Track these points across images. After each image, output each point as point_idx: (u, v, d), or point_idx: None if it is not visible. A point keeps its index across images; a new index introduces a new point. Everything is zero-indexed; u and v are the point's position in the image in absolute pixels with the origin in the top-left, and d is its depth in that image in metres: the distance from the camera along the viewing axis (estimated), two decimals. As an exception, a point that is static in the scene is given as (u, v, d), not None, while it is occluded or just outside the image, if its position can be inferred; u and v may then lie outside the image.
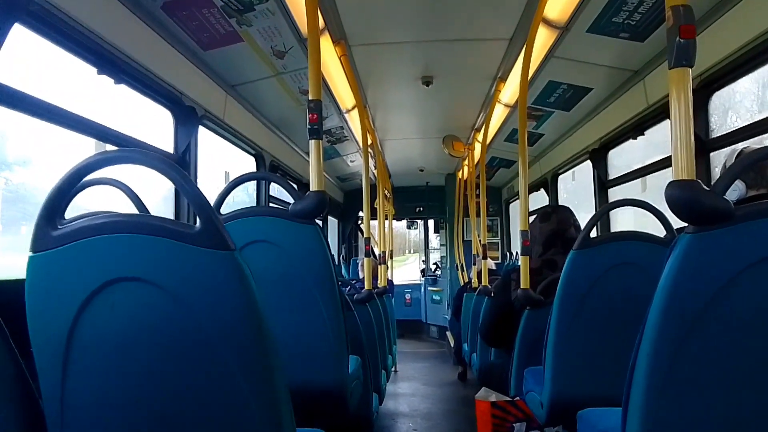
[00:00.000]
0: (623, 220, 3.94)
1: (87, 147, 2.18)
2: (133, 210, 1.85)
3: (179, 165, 2.73)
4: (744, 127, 2.37)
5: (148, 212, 1.85)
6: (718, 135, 2.56)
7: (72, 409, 0.99)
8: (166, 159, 0.96)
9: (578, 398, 1.77)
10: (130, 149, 0.99)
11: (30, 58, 1.99)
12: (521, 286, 2.41)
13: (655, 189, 3.31)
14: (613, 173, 3.90)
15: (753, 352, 1.09)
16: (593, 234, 1.89)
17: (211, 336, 0.95)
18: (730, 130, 2.47)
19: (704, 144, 2.58)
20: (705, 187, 1.05)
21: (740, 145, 2.06)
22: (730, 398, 1.11)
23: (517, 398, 2.44)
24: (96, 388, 0.99)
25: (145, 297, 0.95)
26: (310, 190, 1.82)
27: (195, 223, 0.96)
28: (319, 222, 6.53)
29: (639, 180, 3.59)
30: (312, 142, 1.88)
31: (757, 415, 1.11)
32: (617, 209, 3.64)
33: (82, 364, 0.97)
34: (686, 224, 1.07)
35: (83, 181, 1.03)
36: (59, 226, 0.96)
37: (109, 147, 2.20)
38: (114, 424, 1.00)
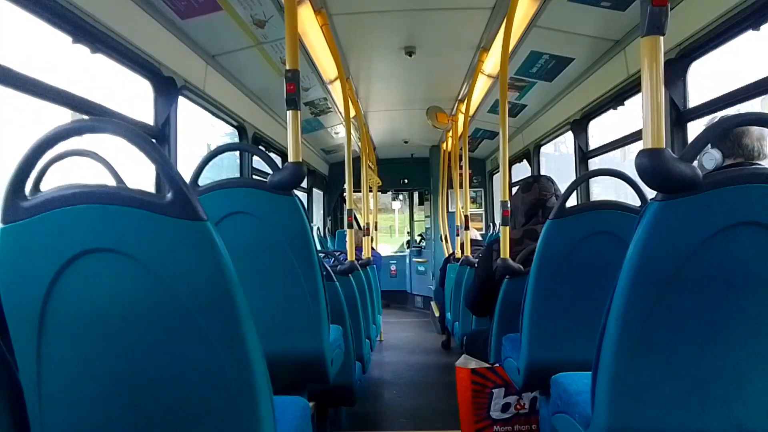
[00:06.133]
0: (605, 191, 3.99)
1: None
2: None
3: (159, 137, 2.72)
4: (721, 96, 2.38)
5: (125, 184, 1.84)
6: (695, 105, 2.58)
7: (48, 380, 1.00)
8: (134, 128, 0.95)
9: (553, 363, 1.82)
10: (96, 118, 0.98)
11: (2, 28, 1.94)
12: (501, 256, 2.44)
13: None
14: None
15: (718, 317, 1.13)
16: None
17: (184, 305, 0.96)
18: (707, 100, 2.49)
19: (682, 114, 2.60)
20: (673, 155, 1.07)
21: (719, 115, 2.08)
22: (695, 361, 1.15)
23: (497, 365, 2.49)
24: (71, 359, 1.00)
25: (118, 268, 0.95)
26: (288, 161, 1.82)
27: None
28: (304, 194, 6.55)
29: (620, 150, 3.62)
30: (290, 113, 1.87)
31: (722, 377, 1.15)
32: (600, 180, 3.68)
33: (57, 335, 0.97)
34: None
35: (60, 152, 1.03)
36: (29, 198, 0.96)
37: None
38: (90, 395, 1.02)
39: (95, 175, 1.89)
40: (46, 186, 1.05)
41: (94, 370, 1.00)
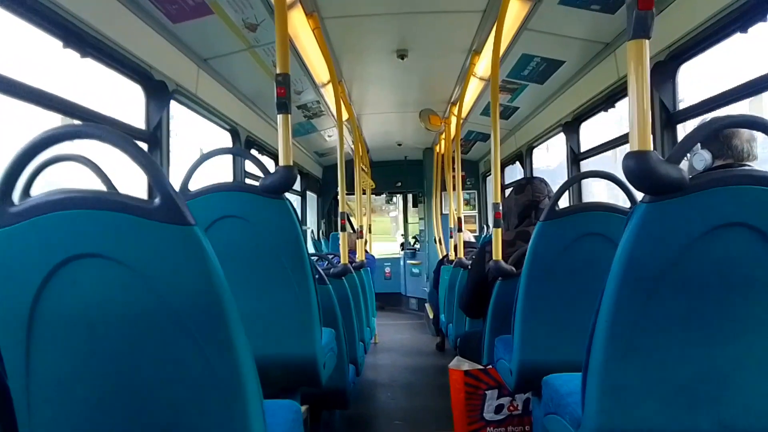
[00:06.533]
0: (598, 192, 4.00)
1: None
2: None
3: (150, 141, 2.72)
4: (711, 98, 2.40)
5: (115, 188, 1.83)
6: (684, 107, 2.60)
7: (38, 386, 0.99)
8: (121, 133, 0.95)
9: (545, 365, 1.82)
10: (84, 123, 0.98)
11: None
12: (493, 258, 2.44)
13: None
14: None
15: (706, 317, 1.14)
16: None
17: (173, 310, 0.96)
18: (696, 102, 2.51)
19: (672, 116, 2.62)
20: (660, 157, 1.08)
21: (708, 116, 2.10)
22: (683, 361, 1.16)
23: (490, 366, 2.50)
24: (60, 364, 0.99)
25: (107, 273, 0.95)
26: (279, 164, 1.83)
27: None
28: (298, 197, 6.54)
29: (611, 152, 3.64)
30: (280, 117, 1.88)
31: (710, 377, 1.16)
32: (593, 183, 3.69)
33: (46, 341, 0.97)
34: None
35: (50, 157, 1.03)
36: (17, 203, 0.96)
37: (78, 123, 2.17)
38: (80, 400, 1.01)
39: (89, 181, 1.89)
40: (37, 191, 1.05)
41: (83, 375, 1.00)
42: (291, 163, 1.84)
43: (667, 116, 2.62)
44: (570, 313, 1.87)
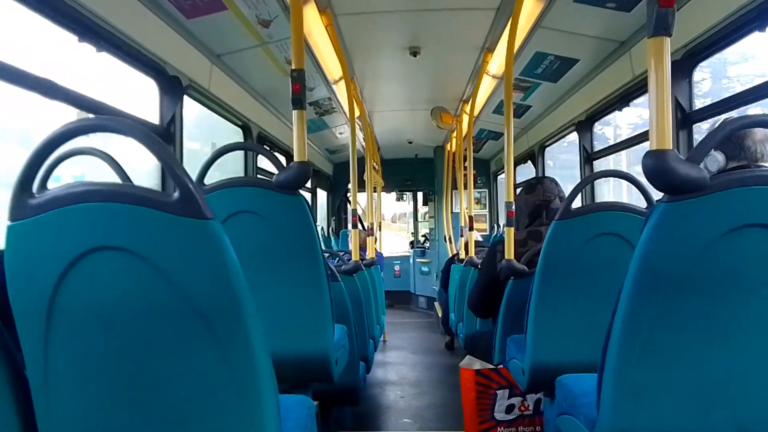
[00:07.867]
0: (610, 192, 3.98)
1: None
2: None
3: (164, 136, 2.73)
4: (727, 98, 2.38)
5: (131, 182, 1.84)
6: (700, 106, 2.57)
7: (56, 378, 1.00)
8: (141, 126, 0.96)
9: (558, 365, 1.82)
10: (108, 117, 0.99)
11: (9, 27, 1.96)
12: (505, 257, 2.43)
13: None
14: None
15: (724, 319, 1.12)
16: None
17: (190, 303, 0.96)
18: (713, 102, 2.49)
19: (688, 115, 2.60)
20: (680, 156, 1.06)
21: (722, 117, 2.07)
22: (700, 363, 1.15)
23: (501, 366, 2.49)
24: (78, 356, 1.00)
25: (124, 265, 0.95)
26: (294, 160, 1.83)
27: None
28: (308, 194, 6.55)
29: (625, 152, 3.62)
30: (295, 113, 1.88)
31: (727, 379, 1.15)
32: (606, 182, 3.66)
33: (64, 332, 0.98)
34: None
35: (66, 150, 1.03)
36: (37, 195, 0.96)
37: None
38: (97, 391, 1.02)
39: (100, 173, 1.90)
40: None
41: (100, 366, 1.01)
42: (306, 159, 1.84)
43: (683, 116, 2.60)
44: (583, 313, 1.86)
